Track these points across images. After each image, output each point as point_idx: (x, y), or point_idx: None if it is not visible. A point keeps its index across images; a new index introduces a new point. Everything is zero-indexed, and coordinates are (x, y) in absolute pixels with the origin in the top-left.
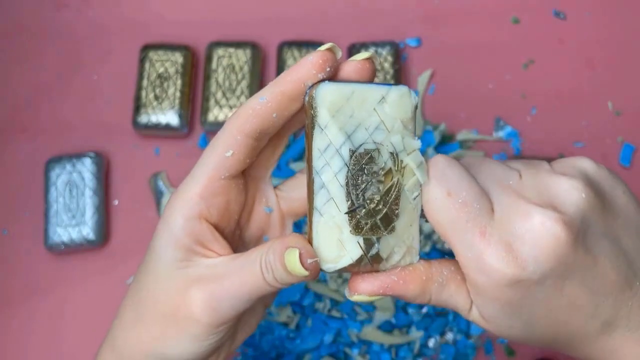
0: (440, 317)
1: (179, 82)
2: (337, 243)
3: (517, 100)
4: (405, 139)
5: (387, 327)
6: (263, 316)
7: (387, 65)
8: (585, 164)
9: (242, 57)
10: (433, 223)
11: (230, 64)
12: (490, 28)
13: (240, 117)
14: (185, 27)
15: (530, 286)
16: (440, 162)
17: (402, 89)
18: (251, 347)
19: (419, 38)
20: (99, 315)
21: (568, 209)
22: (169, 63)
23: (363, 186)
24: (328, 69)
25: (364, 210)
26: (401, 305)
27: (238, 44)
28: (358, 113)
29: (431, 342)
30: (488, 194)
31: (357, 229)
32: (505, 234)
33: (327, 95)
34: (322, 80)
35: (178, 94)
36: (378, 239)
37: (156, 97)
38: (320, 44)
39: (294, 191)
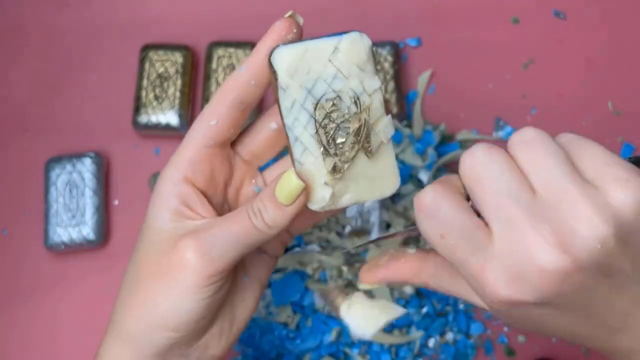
0: (440, 317)
1: (179, 82)
2: (319, 186)
3: (517, 100)
4: (364, 82)
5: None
6: (261, 294)
7: (387, 65)
8: (623, 205)
9: (242, 57)
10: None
11: (230, 64)
12: (490, 28)
13: (224, 89)
14: (185, 27)
15: (533, 309)
16: (427, 204)
17: (353, 35)
18: (251, 347)
19: (419, 38)
20: (99, 315)
21: (580, 254)
22: (169, 63)
23: (332, 132)
24: (294, 31)
25: (336, 153)
26: (401, 306)
27: (238, 44)
28: (315, 67)
29: (431, 342)
30: (489, 220)
31: (335, 171)
32: (506, 266)
33: (283, 58)
34: (277, 46)
35: (178, 94)
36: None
37: (156, 97)
38: None
39: (278, 170)
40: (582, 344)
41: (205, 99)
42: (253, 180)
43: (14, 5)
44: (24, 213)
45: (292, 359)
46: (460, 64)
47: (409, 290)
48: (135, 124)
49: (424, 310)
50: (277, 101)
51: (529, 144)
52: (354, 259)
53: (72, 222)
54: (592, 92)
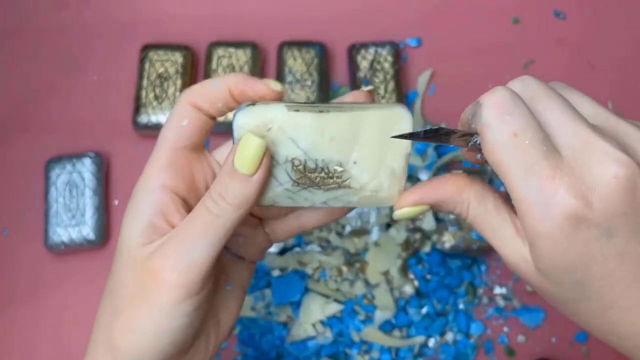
0: (440, 317)
1: (179, 82)
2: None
3: None
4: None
5: (387, 327)
6: (243, 299)
7: (387, 65)
8: None
9: (242, 57)
10: (495, 165)
11: (230, 64)
12: (490, 28)
13: (194, 93)
14: (185, 27)
15: (595, 237)
16: (505, 98)
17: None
18: (251, 347)
19: (419, 38)
20: None
21: None
22: (169, 63)
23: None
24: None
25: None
26: (401, 305)
27: (238, 44)
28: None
29: (431, 342)
30: (555, 136)
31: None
32: (576, 177)
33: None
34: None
35: (178, 94)
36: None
37: (156, 97)
38: (320, 44)
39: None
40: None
41: None
42: None
43: (14, 5)
44: (24, 213)
45: (292, 359)
46: (460, 64)
47: (409, 290)
48: (135, 124)
49: (424, 310)
50: None
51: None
52: (354, 259)
53: (72, 222)
54: (592, 92)
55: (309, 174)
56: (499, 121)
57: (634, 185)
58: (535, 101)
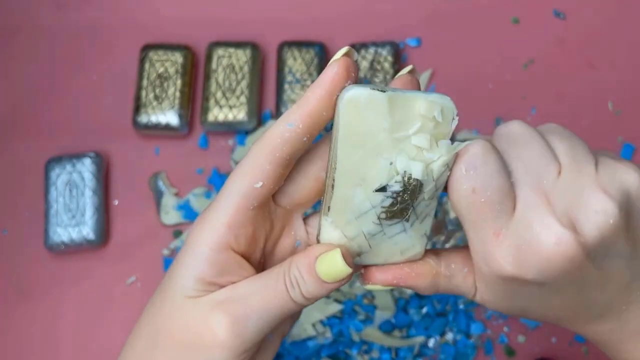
0: (440, 317)
1: (179, 82)
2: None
3: (517, 100)
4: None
5: (387, 327)
6: (279, 346)
7: (387, 65)
8: (632, 181)
9: (242, 57)
10: (454, 208)
11: (230, 64)
12: (490, 28)
13: (269, 145)
14: (185, 27)
15: (528, 286)
16: (475, 155)
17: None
18: None
19: (419, 38)
20: (99, 315)
21: (591, 232)
22: (169, 63)
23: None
24: (352, 75)
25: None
26: (401, 305)
27: (238, 44)
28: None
29: (431, 342)
30: (516, 187)
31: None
32: (519, 238)
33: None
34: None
35: (178, 94)
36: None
37: (156, 97)
38: (320, 44)
39: None
40: (560, 325)
41: (205, 99)
42: (293, 232)
43: (14, 5)
44: (24, 213)
45: (292, 359)
46: (460, 64)
47: (409, 290)
48: (135, 124)
49: (424, 310)
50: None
51: (548, 130)
52: None
53: (72, 222)
54: (592, 92)
55: None
56: (464, 176)
57: (568, 259)
58: (511, 147)
